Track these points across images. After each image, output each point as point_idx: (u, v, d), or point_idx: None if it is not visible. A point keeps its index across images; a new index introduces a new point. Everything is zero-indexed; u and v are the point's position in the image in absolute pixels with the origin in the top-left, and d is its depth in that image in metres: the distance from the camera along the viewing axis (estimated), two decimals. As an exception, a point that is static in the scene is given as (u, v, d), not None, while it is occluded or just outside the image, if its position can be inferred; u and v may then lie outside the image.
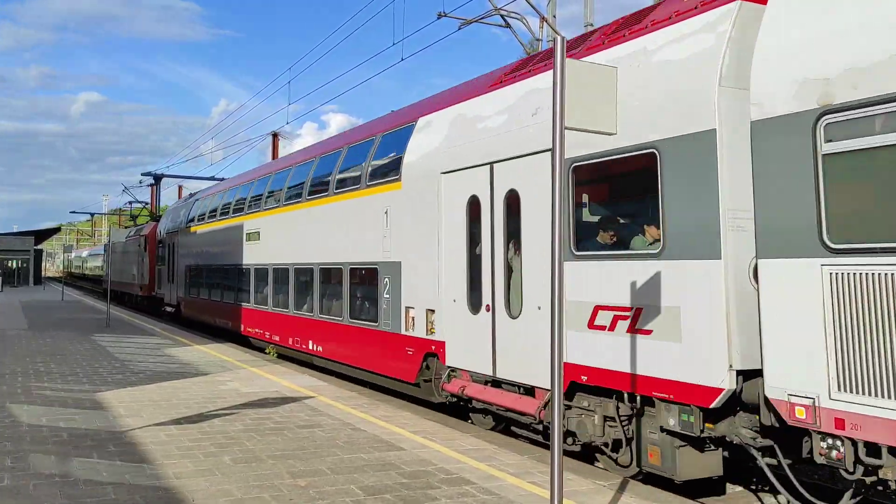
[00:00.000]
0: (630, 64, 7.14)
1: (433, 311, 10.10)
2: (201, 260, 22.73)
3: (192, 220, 24.27)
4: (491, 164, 8.99)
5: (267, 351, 17.21)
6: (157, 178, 45.88)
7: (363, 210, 12.19)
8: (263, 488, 6.27)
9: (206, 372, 13.20)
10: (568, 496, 6.07)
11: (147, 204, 48.58)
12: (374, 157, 12.26)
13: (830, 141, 5.27)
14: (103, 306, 31.81)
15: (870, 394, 5.00)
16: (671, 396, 6.48)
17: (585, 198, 7.96)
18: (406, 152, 11.08)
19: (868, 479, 5.43)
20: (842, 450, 5.31)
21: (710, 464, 6.95)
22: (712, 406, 6.08)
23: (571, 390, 7.73)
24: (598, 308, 7.28)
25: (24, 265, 63.09)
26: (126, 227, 44.32)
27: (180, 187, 52.63)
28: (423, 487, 6.40)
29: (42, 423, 8.48)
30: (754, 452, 6.32)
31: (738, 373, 6.00)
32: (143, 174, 46.28)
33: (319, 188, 14.24)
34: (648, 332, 6.70)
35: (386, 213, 11.41)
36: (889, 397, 4.91)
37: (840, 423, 5.19)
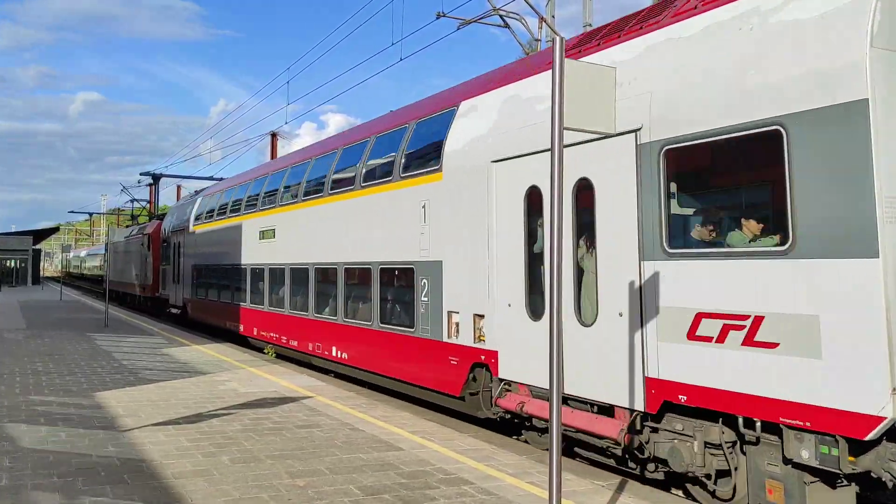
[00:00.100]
0: (738, 28, 6.13)
1: (482, 316, 8.99)
2: (210, 259, 21.48)
3: (199, 218, 23.11)
4: None
5: (265, 351, 17.07)
6: (156, 178, 45.87)
7: (396, 204, 11.10)
8: (262, 488, 6.26)
9: (204, 372, 13.18)
10: (566, 496, 6.06)
11: (148, 202, 48.33)
12: (407, 147, 11.16)
13: None
14: (102, 306, 31.77)
15: None
16: (807, 424, 5.38)
17: (677, 186, 6.74)
18: (447, 140, 10.01)
19: None
20: None
21: (843, 503, 5.86)
22: (868, 438, 5.02)
23: (660, 411, 6.68)
24: (700, 316, 6.17)
25: (23, 265, 63.02)
26: (128, 227, 44.30)
27: (179, 187, 52.67)
28: (421, 487, 6.41)
29: (39, 411, 8.44)
30: None
31: None
32: (141, 174, 46.33)
33: (343, 182, 13.15)
34: (773, 345, 5.61)
35: (423, 207, 10.35)
36: None
37: None
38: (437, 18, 15.00)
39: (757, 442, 6.00)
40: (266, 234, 16.72)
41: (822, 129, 5.35)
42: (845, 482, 5.78)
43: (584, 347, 7.47)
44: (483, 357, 9.01)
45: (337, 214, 13.15)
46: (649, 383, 6.63)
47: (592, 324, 7.38)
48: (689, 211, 6.89)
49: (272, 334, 16.26)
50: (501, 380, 8.71)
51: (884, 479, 5.26)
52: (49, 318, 25.72)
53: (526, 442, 8.94)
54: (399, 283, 11.34)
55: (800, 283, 5.45)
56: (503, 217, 8.71)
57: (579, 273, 7.67)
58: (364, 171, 12.36)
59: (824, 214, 5.31)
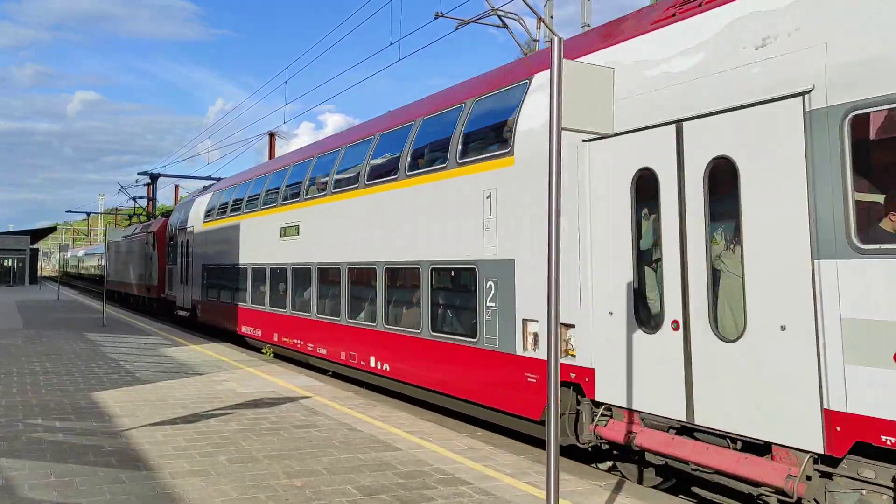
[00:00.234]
0: None
1: (570, 326, 7.63)
2: (222, 259, 20.03)
3: (210, 214, 21.70)
4: (678, 122, 6.52)
5: (263, 351, 16.92)
6: (154, 178, 45.88)
7: (452, 195, 9.80)
8: (259, 488, 6.25)
9: (202, 372, 13.15)
10: (564, 496, 6.06)
11: (151, 200, 48.06)
12: (465, 129, 9.84)
13: None
14: (99, 305, 31.72)
15: None
16: None
17: (867, 163, 5.47)
18: (519, 119, 8.70)
19: None
20: None
21: None
22: None
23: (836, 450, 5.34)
24: None
25: (20, 265, 62.96)
26: (128, 225, 44.21)
27: (176, 187, 52.72)
28: (419, 488, 6.40)
29: (35, 411, 8.43)
30: None
31: None
32: (139, 173, 46.36)
33: (382, 172, 11.86)
34: None
35: (489, 197, 9.08)
36: None
37: None
38: (436, 18, 15.03)
39: None
40: (288, 231, 15.47)
41: None
42: None
43: (723, 368, 6.01)
44: (573, 375, 7.59)
45: (375, 208, 11.85)
46: (831, 418, 5.24)
47: (738, 339, 5.93)
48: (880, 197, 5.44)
49: (296, 341, 14.95)
50: (599, 403, 7.37)
51: None
52: (47, 317, 25.68)
53: (615, 473, 7.81)
54: (455, 285, 10.14)
55: None
56: (601, 206, 7.37)
57: (715, 275, 6.25)
58: (409, 159, 11.08)
59: None
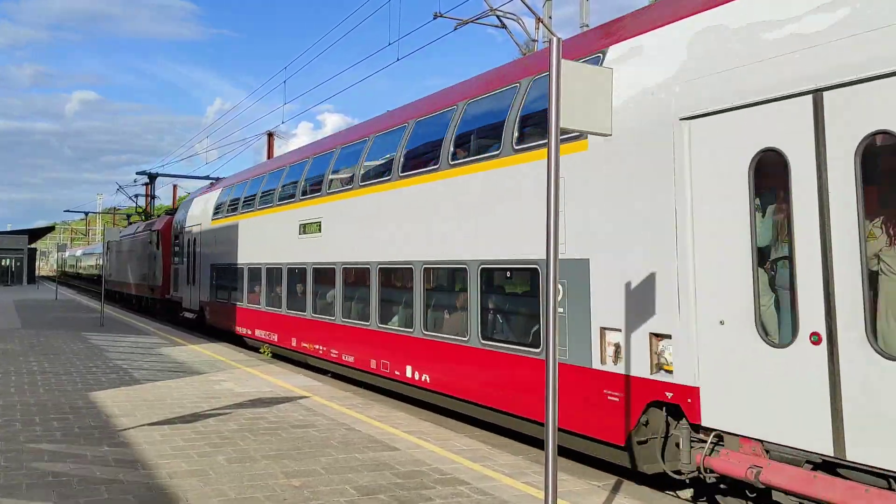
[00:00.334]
0: None
1: (665, 336, 6.60)
2: (233, 258, 18.94)
3: (219, 211, 20.67)
4: (817, 91, 5.43)
5: (262, 350, 16.94)
6: (152, 178, 45.82)
7: (507, 186, 8.76)
8: (257, 488, 6.25)
9: (200, 371, 13.15)
10: (562, 496, 6.06)
11: (152, 197, 47.91)
12: (522, 112, 8.71)
13: None
14: (97, 305, 31.69)
15: None
16: None
17: None
18: None
19: None
20: None
21: None
22: None
23: None
24: None
25: (18, 264, 62.91)
26: (130, 224, 44.09)
27: (175, 186, 52.68)
28: (417, 488, 6.40)
29: (33, 411, 8.42)
30: None
31: None
32: (137, 173, 46.27)
33: (420, 162, 10.83)
34: None
35: None
36: None
37: None
38: (435, 18, 15.04)
39: None
40: (309, 228, 14.33)
41: None
42: None
43: (886, 392, 4.93)
44: (670, 395, 6.51)
45: (411, 202, 10.80)
46: None
47: None
48: None
49: (317, 346, 13.87)
50: (707, 429, 6.24)
51: None
52: (45, 317, 25.65)
53: None
54: (512, 287, 9.20)
55: None
56: (708, 196, 6.27)
57: (872, 277, 5.19)
58: (451, 147, 10.02)
59: None
